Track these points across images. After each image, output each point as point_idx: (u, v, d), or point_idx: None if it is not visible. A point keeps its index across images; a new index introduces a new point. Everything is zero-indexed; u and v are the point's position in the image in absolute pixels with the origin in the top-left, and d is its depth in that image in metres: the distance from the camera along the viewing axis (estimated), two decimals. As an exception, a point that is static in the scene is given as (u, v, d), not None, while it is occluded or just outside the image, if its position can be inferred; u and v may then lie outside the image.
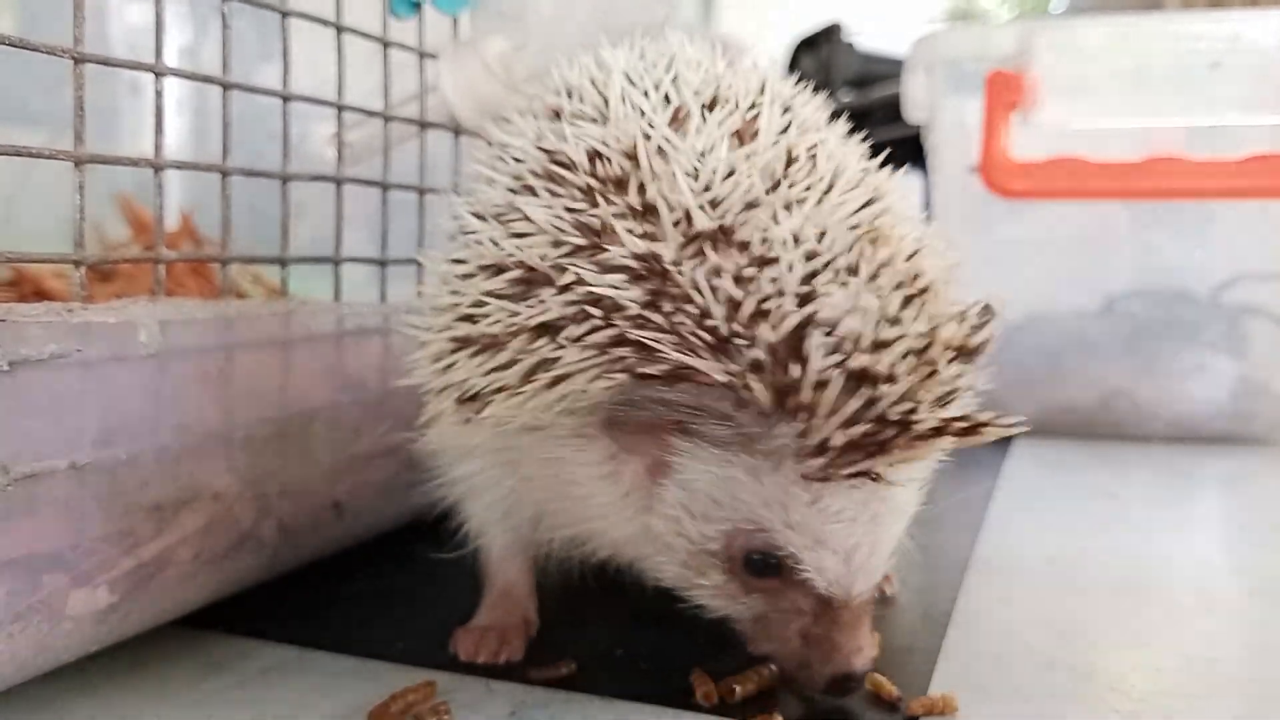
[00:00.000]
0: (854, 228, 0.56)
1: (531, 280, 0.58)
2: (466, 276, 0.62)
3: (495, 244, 0.60)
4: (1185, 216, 1.43)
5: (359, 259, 0.82)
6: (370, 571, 0.86)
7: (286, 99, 0.75)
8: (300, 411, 0.75)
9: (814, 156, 0.60)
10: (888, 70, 1.76)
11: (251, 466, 0.70)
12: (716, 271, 0.53)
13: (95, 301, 0.61)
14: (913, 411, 0.51)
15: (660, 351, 0.52)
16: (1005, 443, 1.42)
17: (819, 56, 1.90)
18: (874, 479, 0.53)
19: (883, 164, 0.65)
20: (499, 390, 0.58)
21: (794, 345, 0.51)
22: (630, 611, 0.76)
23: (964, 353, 0.55)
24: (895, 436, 0.51)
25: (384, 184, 0.84)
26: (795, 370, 0.50)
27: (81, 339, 0.59)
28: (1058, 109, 1.33)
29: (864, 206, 0.58)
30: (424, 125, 0.89)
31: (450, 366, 0.62)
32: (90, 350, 0.59)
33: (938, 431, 0.52)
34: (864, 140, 0.68)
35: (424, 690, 0.63)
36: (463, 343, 0.61)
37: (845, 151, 0.64)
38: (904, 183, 0.65)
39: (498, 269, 0.60)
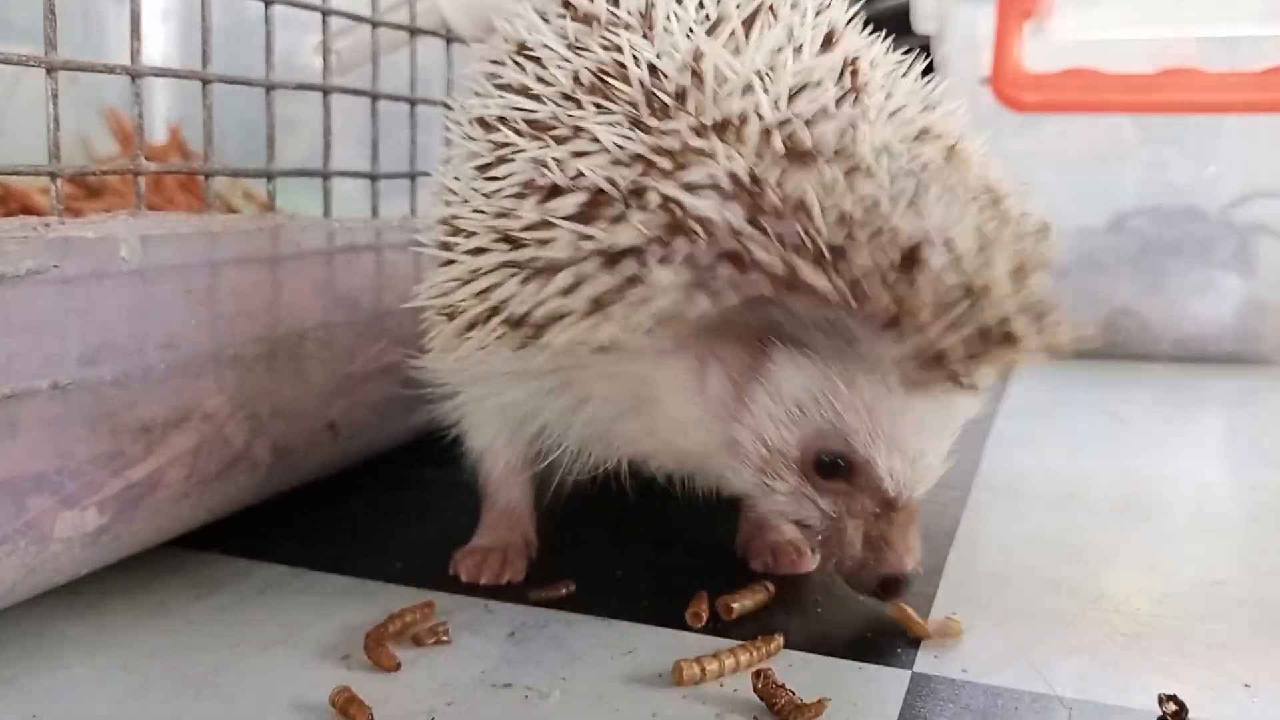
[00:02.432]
0: (930, 136, 0.55)
1: (599, 202, 0.54)
2: (513, 196, 0.58)
3: (552, 164, 0.56)
4: (1196, 132, 1.39)
5: (349, 173, 0.80)
6: (368, 492, 0.85)
7: (269, 2, 0.72)
8: (291, 330, 0.73)
9: (865, 66, 0.58)
10: (896, -21, 1.71)
11: (242, 386, 0.69)
12: (816, 186, 0.51)
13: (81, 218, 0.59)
14: (1011, 322, 0.52)
15: (769, 264, 0.51)
16: (1009, 362, 1.41)
17: (825, -36, 1.84)
18: (964, 386, 0.53)
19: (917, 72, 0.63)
20: (562, 316, 0.55)
21: (909, 257, 0.50)
22: (630, 533, 0.76)
23: (1044, 265, 0.55)
24: (995, 346, 0.52)
25: (373, 94, 0.81)
26: (912, 281, 0.50)
27: (59, 255, 0.57)
28: (1071, 19, 1.29)
29: (921, 113, 0.57)
30: (414, 32, 0.86)
31: (490, 290, 0.59)
32: (69, 266, 0.57)
33: (1033, 342, 0.52)
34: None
35: (422, 611, 0.62)
36: (510, 266, 0.58)
37: (885, 59, 0.62)
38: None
39: (554, 190, 0.56)
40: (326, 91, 0.76)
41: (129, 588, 0.66)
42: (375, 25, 0.82)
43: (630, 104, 0.56)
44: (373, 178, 0.82)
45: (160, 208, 0.94)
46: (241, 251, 0.69)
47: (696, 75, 0.56)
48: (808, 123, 0.53)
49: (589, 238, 0.54)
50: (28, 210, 0.89)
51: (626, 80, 0.57)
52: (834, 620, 0.63)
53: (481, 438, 0.70)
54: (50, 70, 0.58)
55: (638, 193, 0.53)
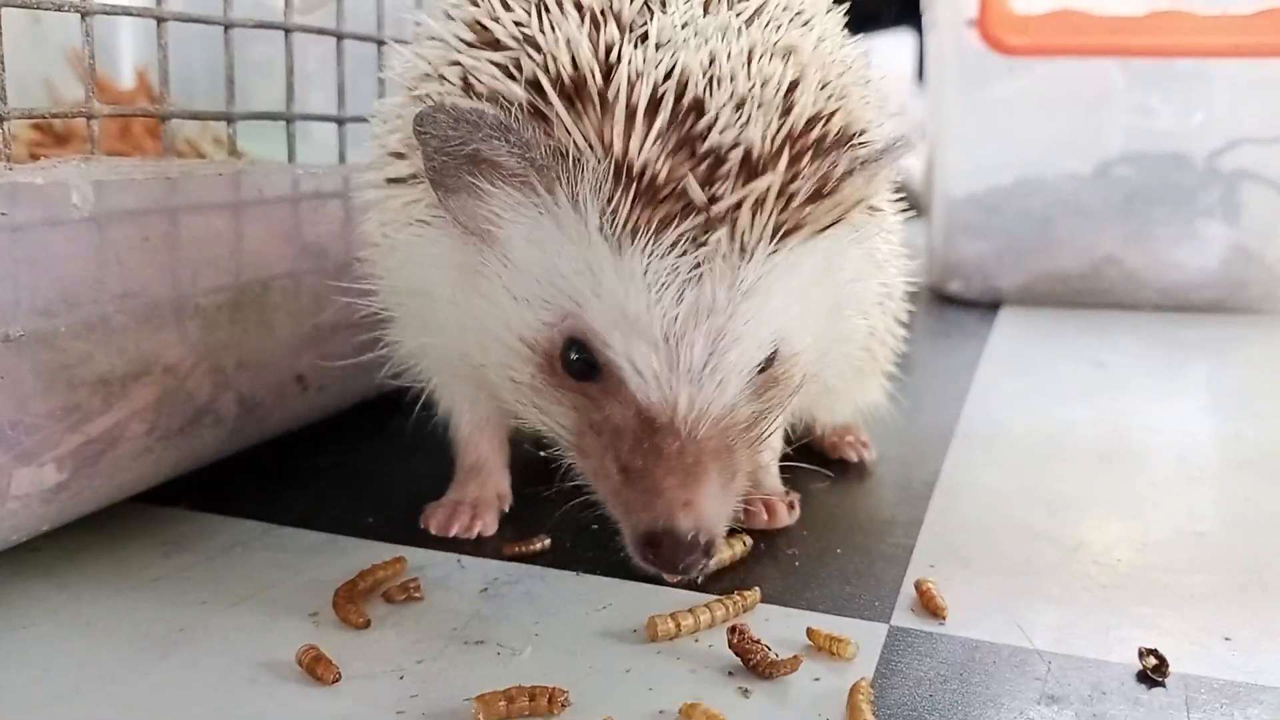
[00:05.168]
0: (767, 30, 0.52)
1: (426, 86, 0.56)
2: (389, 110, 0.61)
3: (406, 66, 0.59)
4: (1183, 77, 1.37)
5: (313, 116, 0.77)
6: (339, 446, 0.83)
7: (227, -63, 0.68)
8: (255, 279, 0.70)
9: None
10: (882, -82, 1.67)
11: (205, 338, 0.67)
12: (576, 28, 0.49)
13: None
14: (740, 143, 0.46)
15: (479, 86, 0.50)
16: (993, 310, 1.40)
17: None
18: (698, 239, 0.46)
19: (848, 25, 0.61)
20: (398, 202, 0.57)
21: (608, 67, 0.47)
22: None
23: (832, 117, 0.50)
24: (713, 167, 0.46)
25: (338, 33, 0.78)
26: (603, 85, 0.46)
27: (8, 202, 0.54)
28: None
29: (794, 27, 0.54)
30: (381, -31, 0.83)
31: (382, 201, 0.60)
32: (18, 214, 0.55)
33: (768, 168, 0.46)
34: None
35: (393, 566, 0.61)
36: (392, 180, 0.59)
37: None
38: (896, 41, 0.61)
39: (407, 88, 0.58)
40: (288, 30, 0.73)
41: (93, 545, 0.65)
42: (340, -39, 0.78)
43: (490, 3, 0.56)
44: (339, 121, 0.79)
45: (129, 154, 0.91)
46: (202, 198, 0.66)
47: None
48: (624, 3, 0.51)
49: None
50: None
51: None
52: (811, 573, 0.62)
53: (436, 379, 0.67)
54: (-6, 7, 0.55)
55: (450, 66, 0.54)
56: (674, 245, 0.46)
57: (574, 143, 0.47)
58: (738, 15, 0.52)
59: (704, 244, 0.46)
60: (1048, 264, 1.44)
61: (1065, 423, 0.92)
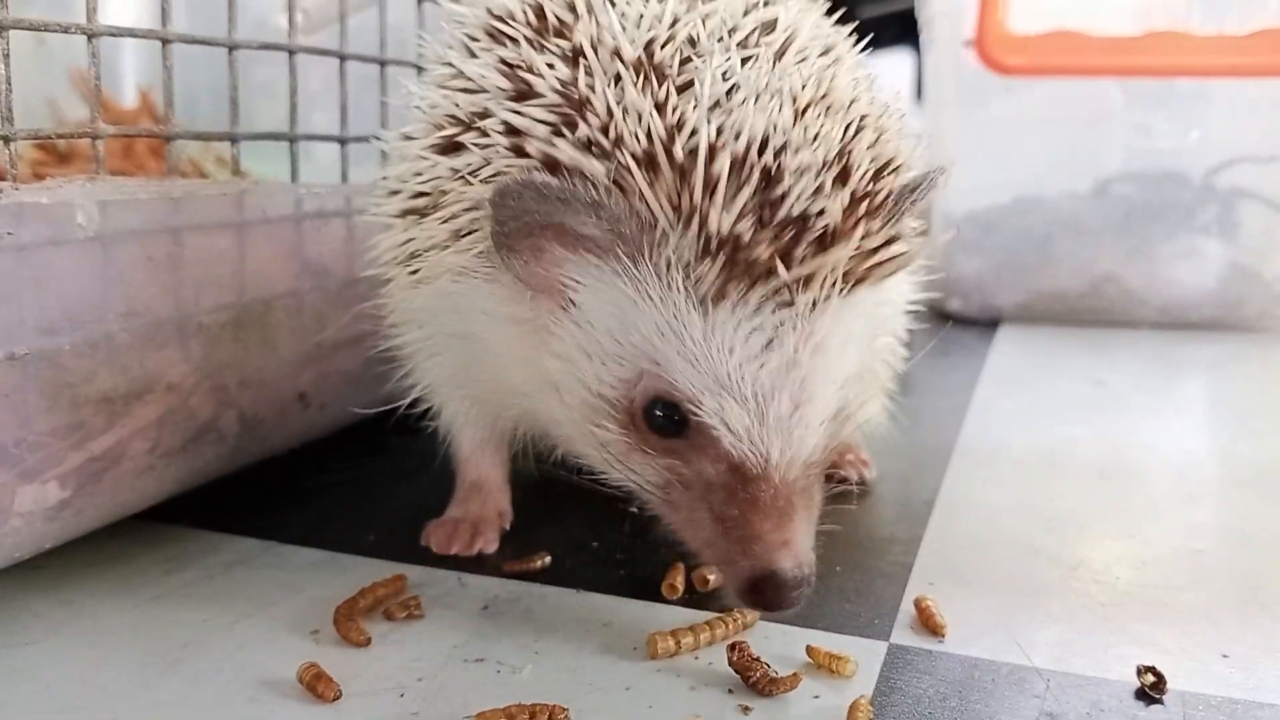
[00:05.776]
0: (800, 69, 0.53)
1: (459, 132, 0.56)
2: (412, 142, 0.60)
3: (432, 106, 0.58)
4: (1181, 96, 1.38)
5: (316, 136, 0.78)
6: (340, 463, 0.84)
7: (232, -40, 0.69)
8: (258, 298, 0.71)
9: (773, 21, 0.56)
10: (881, -61, 1.68)
11: (208, 356, 0.67)
12: (634, 90, 0.50)
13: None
14: (819, 212, 0.47)
15: (531, 148, 0.50)
16: (992, 328, 1.40)
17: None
18: (779, 300, 0.48)
19: (860, 44, 0.62)
20: (432, 248, 0.57)
21: (686, 140, 0.48)
22: (607, 504, 0.74)
23: (888, 169, 0.51)
24: (795, 236, 0.47)
25: (341, 54, 0.79)
26: (680, 157, 0.47)
27: (13, 221, 0.55)
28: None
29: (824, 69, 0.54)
30: (384, -10, 0.83)
31: (403, 238, 0.60)
32: (24, 233, 0.55)
33: (855, 245, 0.48)
34: (853, 13, 0.64)
35: (394, 584, 0.61)
36: (411, 211, 0.59)
37: (810, 20, 0.59)
38: (895, 61, 0.62)
39: (435, 128, 0.58)
40: (292, 52, 0.74)
41: (95, 562, 0.65)
42: (343, -17, 0.79)
43: (511, 40, 0.56)
44: (341, 141, 0.80)
45: (132, 174, 0.92)
46: (205, 217, 0.67)
47: (573, 10, 0.55)
48: (656, 48, 0.52)
49: (454, 169, 0.54)
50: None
51: (512, 21, 0.57)
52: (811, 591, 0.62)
53: (438, 396, 0.68)
54: (0, 29, 0.55)
55: (481, 116, 0.54)
56: (757, 308, 0.48)
57: (654, 213, 0.48)
58: (770, 50, 0.53)
59: (786, 304, 0.48)
60: (1047, 282, 1.44)
61: (1064, 440, 0.93)
